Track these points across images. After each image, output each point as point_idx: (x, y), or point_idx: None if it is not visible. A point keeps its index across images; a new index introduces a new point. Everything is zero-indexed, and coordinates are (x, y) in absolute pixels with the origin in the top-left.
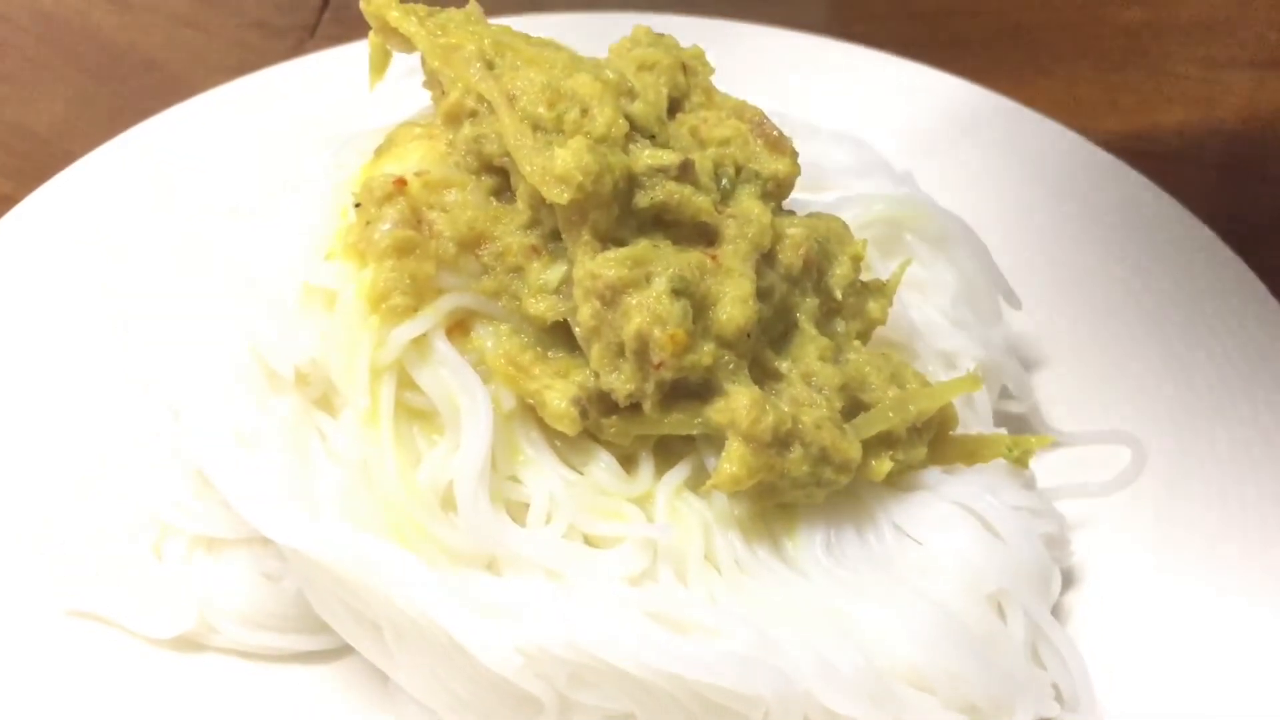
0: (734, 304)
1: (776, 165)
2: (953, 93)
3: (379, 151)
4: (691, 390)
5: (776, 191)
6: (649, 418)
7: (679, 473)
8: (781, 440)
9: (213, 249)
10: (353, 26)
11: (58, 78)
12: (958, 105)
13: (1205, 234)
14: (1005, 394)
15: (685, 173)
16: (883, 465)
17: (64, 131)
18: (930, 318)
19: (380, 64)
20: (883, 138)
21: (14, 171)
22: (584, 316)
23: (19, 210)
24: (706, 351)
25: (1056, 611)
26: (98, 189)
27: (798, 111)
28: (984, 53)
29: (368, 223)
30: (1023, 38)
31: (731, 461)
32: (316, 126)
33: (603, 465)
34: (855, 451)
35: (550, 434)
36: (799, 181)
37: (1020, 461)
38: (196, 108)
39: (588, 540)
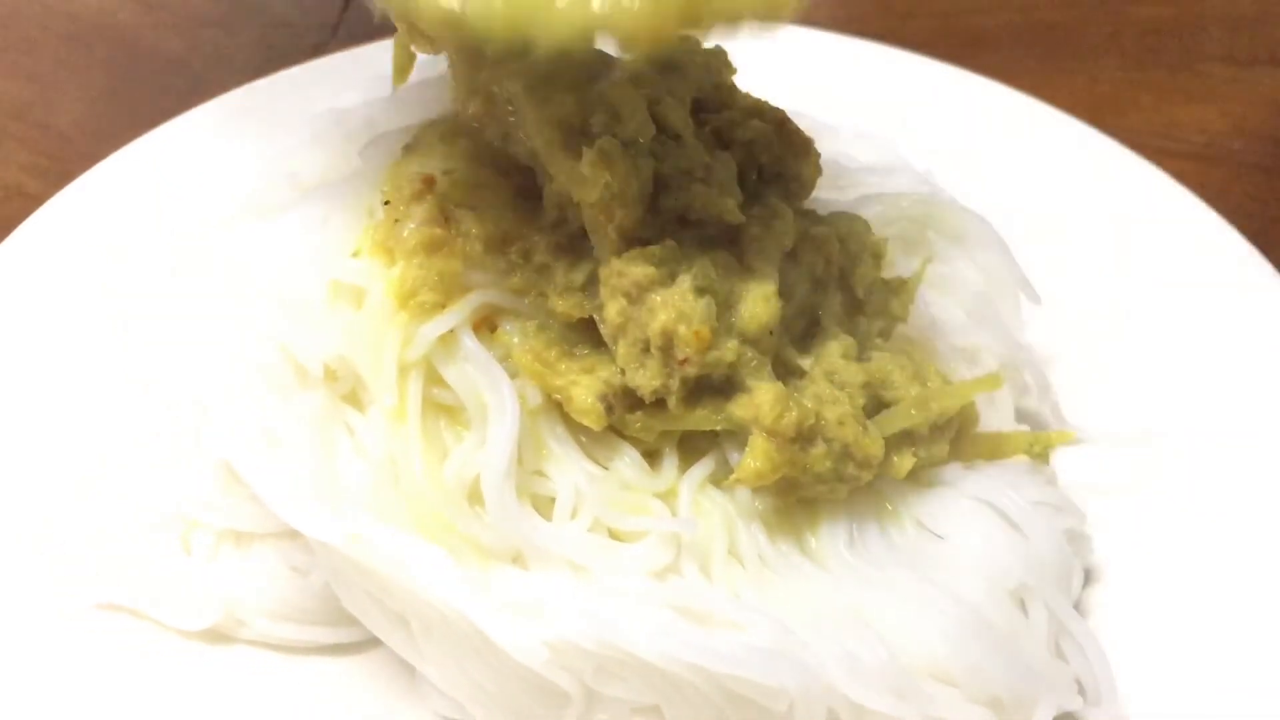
0: (757, 302)
1: (799, 166)
2: (974, 91)
3: (406, 150)
4: (716, 387)
5: (799, 191)
6: (674, 414)
7: (703, 468)
8: (804, 436)
9: (238, 247)
10: (375, 27)
11: (83, 77)
12: (979, 103)
13: (1227, 231)
14: (1026, 390)
15: (710, 174)
16: (905, 462)
17: (89, 130)
18: (952, 314)
19: (405, 66)
20: (903, 136)
21: (40, 171)
22: (610, 314)
23: (46, 209)
24: (730, 348)
25: (1079, 607)
26: (123, 188)
27: (819, 110)
28: (1005, 50)
29: (396, 220)
30: (1044, 35)
31: (755, 456)
32: (340, 125)
33: (627, 460)
34: (877, 448)
35: (575, 429)
36: (821, 180)
37: (1041, 458)
38: (220, 107)
39: (612, 534)
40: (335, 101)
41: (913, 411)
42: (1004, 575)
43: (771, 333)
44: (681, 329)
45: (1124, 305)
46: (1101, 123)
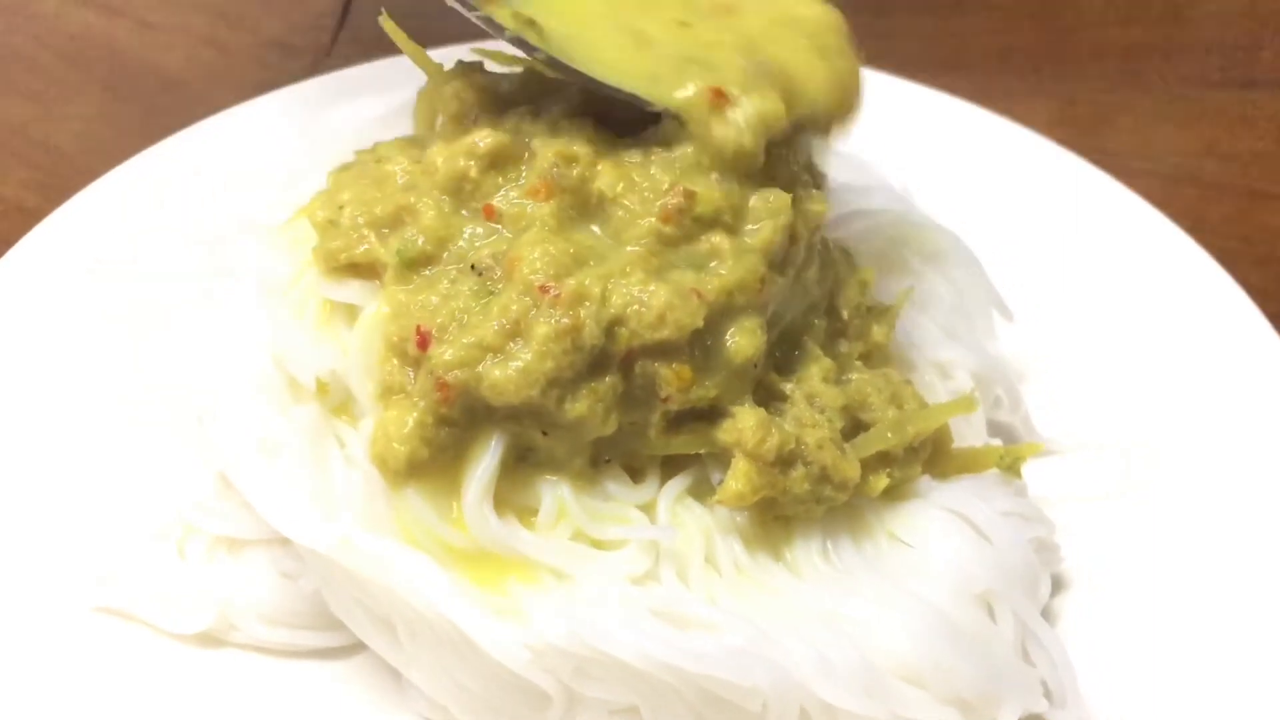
0: (742, 334)
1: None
2: (950, 112)
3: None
4: (698, 413)
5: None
6: (655, 442)
7: (681, 481)
8: (785, 460)
9: (235, 263)
10: (368, 46)
11: (82, 95)
12: (955, 125)
13: (1195, 250)
14: (998, 403)
15: None
16: (880, 482)
17: (88, 147)
18: (926, 329)
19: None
20: (881, 157)
21: (39, 186)
22: None
23: (45, 224)
24: (712, 385)
25: (1046, 614)
26: (120, 204)
27: None
28: (981, 73)
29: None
30: (1020, 58)
31: (737, 479)
32: (333, 144)
33: (609, 475)
34: (854, 471)
35: None
36: None
37: (1012, 470)
38: (216, 125)
39: (594, 544)
40: (330, 120)
41: (889, 434)
42: (971, 581)
43: (755, 365)
44: (664, 371)
45: (1094, 321)
46: (1078, 143)
